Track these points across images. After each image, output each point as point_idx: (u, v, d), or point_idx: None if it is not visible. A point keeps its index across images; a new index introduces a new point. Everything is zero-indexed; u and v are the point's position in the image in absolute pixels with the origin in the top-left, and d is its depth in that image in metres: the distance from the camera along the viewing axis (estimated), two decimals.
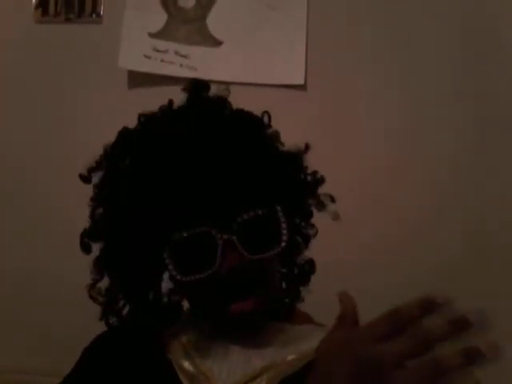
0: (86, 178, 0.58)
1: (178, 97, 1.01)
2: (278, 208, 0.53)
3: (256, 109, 0.66)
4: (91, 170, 0.58)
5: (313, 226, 0.64)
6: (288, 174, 0.59)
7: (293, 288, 0.63)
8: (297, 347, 0.54)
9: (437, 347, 0.34)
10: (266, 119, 0.62)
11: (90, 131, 1.06)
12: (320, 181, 0.63)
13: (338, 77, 1.04)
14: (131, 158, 0.55)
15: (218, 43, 1.06)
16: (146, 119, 0.58)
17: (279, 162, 0.58)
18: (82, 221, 0.57)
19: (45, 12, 1.08)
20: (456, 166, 0.99)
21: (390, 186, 1.00)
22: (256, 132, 0.58)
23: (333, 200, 0.63)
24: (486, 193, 0.98)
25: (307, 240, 0.64)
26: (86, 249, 0.57)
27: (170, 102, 0.59)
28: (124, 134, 0.58)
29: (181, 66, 1.05)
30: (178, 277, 0.52)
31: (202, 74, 1.04)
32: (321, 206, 0.62)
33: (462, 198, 0.99)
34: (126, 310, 0.58)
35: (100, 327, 0.58)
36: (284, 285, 0.63)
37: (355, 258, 0.95)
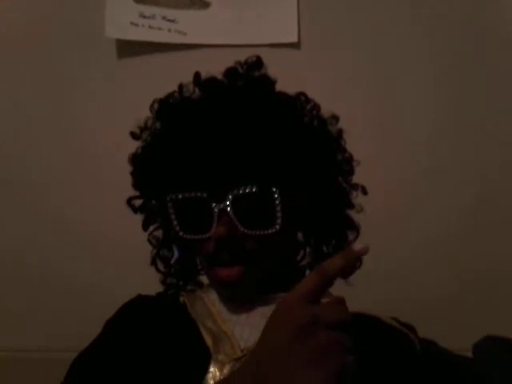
0: (135, 135, 0.63)
1: (169, 63, 1.00)
2: (275, 190, 0.53)
3: None
4: (141, 129, 0.63)
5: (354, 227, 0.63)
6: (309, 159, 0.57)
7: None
8: None
9: None
10: (301, 100, 0.61)
11: (82, 106, 1.04)
12: (353, 187, 0.63)
13: (334, 32, 1.00)
14: (160, 123, 0.61)
15: (205, 5, 1.02)
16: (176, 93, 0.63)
17: (299, 144, 0.56)
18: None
19: None
20: None
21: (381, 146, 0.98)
22: (273, 114, 0.56)
23: (365, 192, 0.63)
24: None
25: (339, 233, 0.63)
26: (134, 208, 0.64)
27: (197, 74, 0.62)
28: (160, 101, 0.62)
29: (169, 31, 1.01)
30: (180, 233, 0.56)
31: (191, 38, 1.01)
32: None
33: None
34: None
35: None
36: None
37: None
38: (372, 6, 1.00)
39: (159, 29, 1.02)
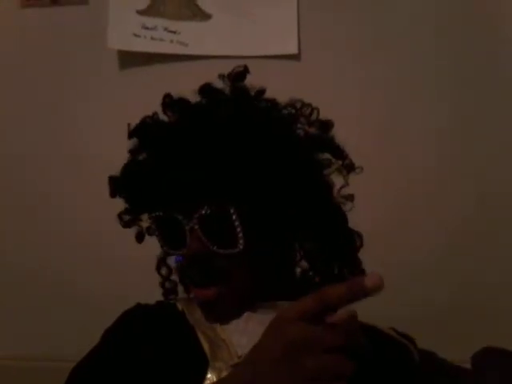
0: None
1: (170, 74, 1.01)
2: (232, 210, 0.53)
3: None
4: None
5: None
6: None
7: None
8: None
9: None
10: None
11: (84, 116, 1.05)
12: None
13: (334, 44, 1.01)
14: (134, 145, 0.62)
15: (207, 17, 1.03)
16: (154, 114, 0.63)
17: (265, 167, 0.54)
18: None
19: None
20: None
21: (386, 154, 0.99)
22: (232, 134, 0.55)
23: (351, 199, 0.60)
24: None
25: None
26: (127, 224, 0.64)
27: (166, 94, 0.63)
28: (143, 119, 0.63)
29: (171, 42, 1.03)
30: (164, 248, 0.59)
31: (192, 49, 1.02)
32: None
33: None
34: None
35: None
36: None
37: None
38: (372, 17, 1.01)
39: (161, 40, 1.03)
